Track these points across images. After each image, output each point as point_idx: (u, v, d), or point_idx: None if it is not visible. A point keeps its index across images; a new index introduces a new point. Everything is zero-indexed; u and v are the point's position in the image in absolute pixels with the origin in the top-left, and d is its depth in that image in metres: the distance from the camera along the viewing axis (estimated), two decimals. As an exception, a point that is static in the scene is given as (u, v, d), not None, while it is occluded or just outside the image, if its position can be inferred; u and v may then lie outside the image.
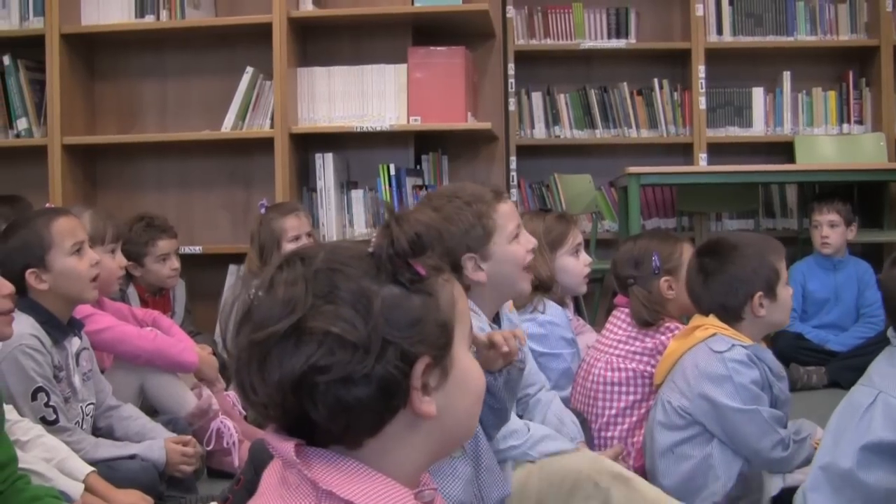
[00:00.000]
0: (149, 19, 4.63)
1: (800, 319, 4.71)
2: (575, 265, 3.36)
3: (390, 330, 1.12)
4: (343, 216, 4.62)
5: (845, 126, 5.77)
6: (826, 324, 4.70)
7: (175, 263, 3.90)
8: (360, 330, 1.10)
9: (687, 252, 2.97)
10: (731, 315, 2.65)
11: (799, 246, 5.26)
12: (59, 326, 2.64)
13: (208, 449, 3.04)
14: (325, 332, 1.09)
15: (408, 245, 1.17)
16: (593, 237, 5.31)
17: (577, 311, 4.66)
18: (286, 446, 1.11)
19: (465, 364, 1.23)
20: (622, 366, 2.96)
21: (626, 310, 3.04)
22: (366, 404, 1.10)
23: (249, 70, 4.58)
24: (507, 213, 2.40)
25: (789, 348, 4.50)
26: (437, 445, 1.21)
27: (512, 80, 5.53)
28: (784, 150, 5.70)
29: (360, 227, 4.57)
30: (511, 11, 5.57)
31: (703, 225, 5.68)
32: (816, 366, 4.41)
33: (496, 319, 2.49)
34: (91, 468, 2.39)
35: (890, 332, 2.25)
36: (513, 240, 2.40)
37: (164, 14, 4.63)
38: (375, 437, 1.13)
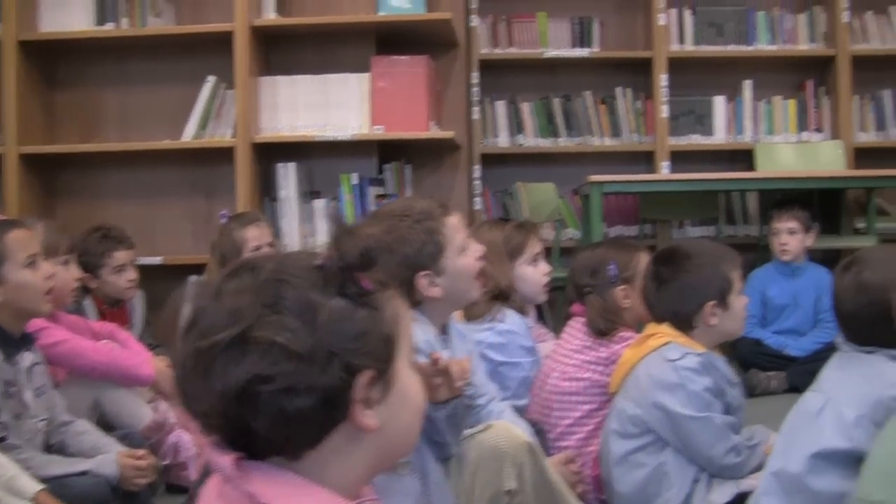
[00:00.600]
0: (109, 27, 4.60)
1: (759, 325, 4.74)
2: (534, 274, 3.37)
3: (335, 341, 1.12)
4: (305, 226, 4.59)
5: (804, 134, 5.83)
6: (785, 329, 4.72)
7: (132, 275, 3.84)
8: (305, 340, 1.10)
9: (644, 261, 2.97)
10: (683, 323, 2.66)
11: (759, 252, 5.30)
12: (11, 341, 2.58)
13: (165, 463, 3.01)
14: (270, 342, 1.09)
15: (356, 259, 1.18)
16: (556, 245, 5.32)
17: (541, 318, 4.68)
18: (225, 460, 1.11)
19: (407, 379, 1.23)
20: (578, 375, 2.96)
21: (583, 319, 3.04)
22: (308, 415, 1.10)
23: (211, 79, 4.56)
24: (454, 226, 2.41)
25: (749, 354, 4.54)
26: (378, 459, 1.20)
27: (476, 89, 5.53)
28: (745, 157, 5.73)
29: (322, 237, 4.54)
30: (475, 20, 5.56)
31: (665, 232, 5.69)
32: (776, 371, 4.45)
33: (446, 330, 2.50)
34: (41, 486, 2.33)
35: (839, 339, 2.29)
36: (462, 251, 2.40)
37: (124, 22, 4.60)
38: (316, 450, 1.13)
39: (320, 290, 1.15)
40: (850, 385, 2.19)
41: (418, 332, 2.24)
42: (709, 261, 2.69)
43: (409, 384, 1.23)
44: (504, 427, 2.39)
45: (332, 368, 1.11)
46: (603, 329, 2.97)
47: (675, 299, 2.67)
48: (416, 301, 2.31)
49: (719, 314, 2.64)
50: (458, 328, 2.59)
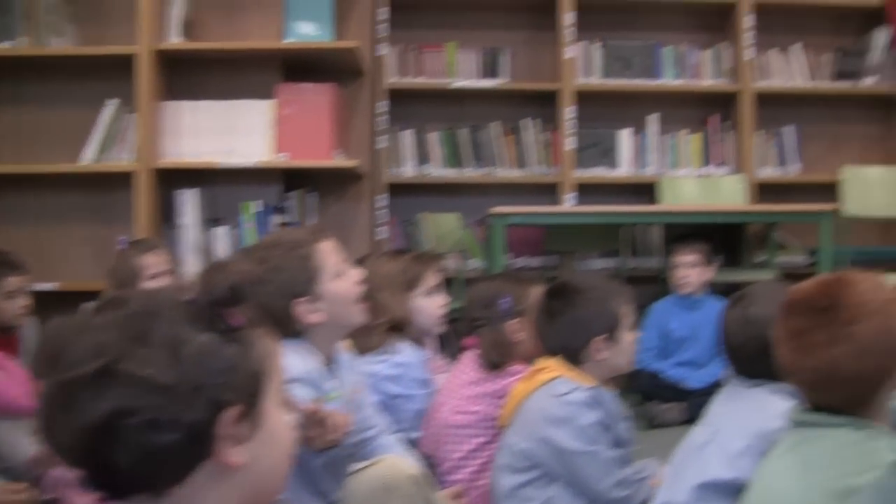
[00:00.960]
0: (6, 45, 4.51)
1: (659, 357, 4.81)
2: (430, 305, 3.41)
3: (201, 376, 1.12)
4: (205, 254, 4.55)
5: (708, 168, 6.00)
6: (685, 361, 4.78)
7: (24, 301, 3.75)
8: (170, 374, 1.10)
9: (538, 295, 2.98)
10: (573, 357, 2.69)
11: (661, 285, 5.37)
12: None
13: (46, 498, 2.97)
14: (135, 376, 1.08)
15: (225, 294, 1.19)
16: (460, 276, 5.36)
17: (445, 349, 4.74)
18: (85, 500, 1.09)
19: (275, 419, 1.23)
20: (469, 408, 2.98)
21: (475, 352, 3.07)
22: (172, 451, 1.09)
23: (113, 102, 4.51)
24: (328, 251, 2.44)
25: (648, 386, 4.61)
26: (246, 498, 1.20)
27: (383, 118, 5.50)
28: (649, 190, 5.87)
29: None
30: (384, 49, 5.56)
31: (569, 264, 5.78)
32: (675, 403, 4.50)
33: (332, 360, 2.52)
34: None
35: (727, 372, 2.35)
36: (338, 276, 2.44)
37: (24, 41, 4.52)
38: (181, 487, 1.12)
39: (188, 325, 1.15)
40: (736, 418, 2.24)
41: (302, 363, 2.31)
42: (598, 295, 2.73)
43: (277, 423, 1.23)
44: (392, 461, 2.42)
45: (198, 403, 1.11)
46: (495, 362, 3.00)
47: (564, 333, 2.71)
48: (297, 331, 2.33)
49: (608, 349, 2.69)
50: (345, 358, 2.61)
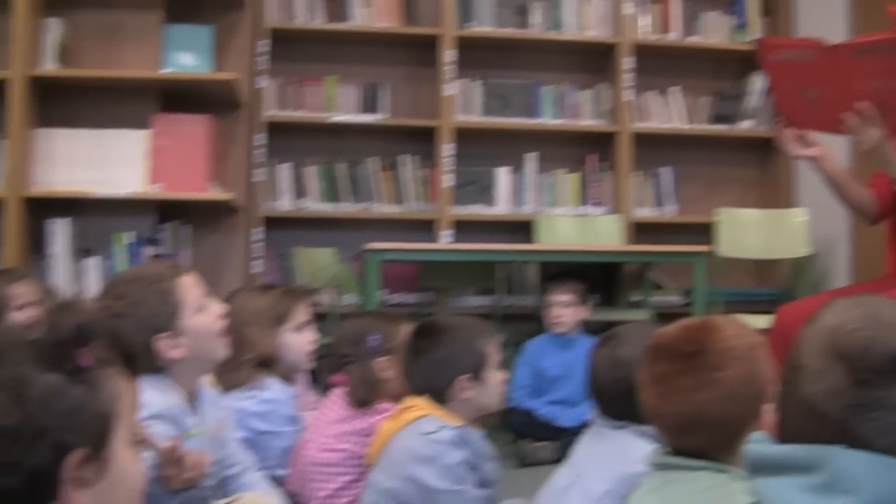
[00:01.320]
0: None
1: (533, 396, 5.00)
2: (299, 342, 3.47)
3: (45, 418, 1.14)
4: (75, 285, 4.63)
5: (585, 208, 6.27)
6: (558, 400, 4.96)
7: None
8: (12, 416, 1.11)
9: (406, 333, 3.05)
10: (438, 396, 2.77)
11: (537, 323, 5.55)
12: None
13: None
14: None
15: (72, 334, 1.22)
16: (335, 311, 5.52)
17: (316, 385, 4.91)
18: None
19: (124, 461, 1.26)
20: (336, 446, 3.05)
21: (343, 389, 3.15)
22: (14, 495, 1.10)
23: (-19, 128, 4.56)
24: (189, 285, 2.50)
25: (521, 424, 4.79)
26: None
27: (260, 151, 5.74)
28: (526, 229, 6.10)
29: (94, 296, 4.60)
30: (264, 81, 5.81)
31: (445, 301, 6.01)
32: (548, 441, 4.66)
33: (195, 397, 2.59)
34: None
35: (593, 414, 2.48)
36: (200, 311, 2.51)
37: None
38: None
39: (32, 365, 1.16)
40: (599, 460, 2.37)
41: (162, 399, 2.36)
42: (464, 335, 2.82)
43: (126, 465, 1.26)
44: (252, 499, 2.48)
45: (41, 446, 1.12)
46: (363, 400, 3.08)
47: (429, 372, 2.79)
48: (158, 366, 2.40)
49: (473, 388, 2.77)
50: (209, 394, 2.67)
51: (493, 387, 2.84)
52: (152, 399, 2.29)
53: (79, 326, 1.23)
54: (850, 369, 1.27)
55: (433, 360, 2.81)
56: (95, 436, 1.21)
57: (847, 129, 3.29)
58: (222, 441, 2.64)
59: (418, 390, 2.83)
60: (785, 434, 1.35)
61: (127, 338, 2.33)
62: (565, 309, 5.03)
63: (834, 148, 3.63)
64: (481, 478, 2.76)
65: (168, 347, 2.40)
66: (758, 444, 1.38)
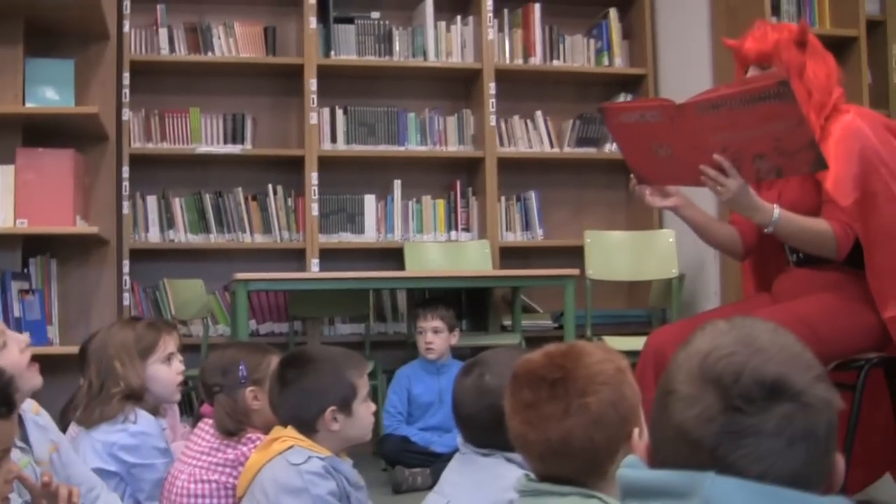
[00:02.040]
0: None
1: (405, 422, 5.29)
2: (167, 373, 3.55)
3: None
4: None
5: (453, 233, 6.62)
6: (431, 426, 5.28)
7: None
8: None
9: (275, 363, 3.20)
10: (305, 427, 2.90)
11: (409, 350, 5.91)
12: None
13: None
14: None
15: None
16: (205, 342, 5.77)
17: (187, 415, 5.06)
18: None
19: None
20: (205, 477, 3.17)
21: (212, 420, 3.27)
22: None
23: None
24: None
25: (394, 451, 5.08)
26: None
27: (126, 183, 5.95)
28: (395, 255, 6.41)
29: None
30: (127, 114, 6.02)
31: (316, 329, 6.29)
32: (421, 468, 4.92)
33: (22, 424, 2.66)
34: None
35: (459, 441, 2.62)
36: (1, 349, 2.63)
37: None
38: None
39: None
40: (468, 488, 2.50)
41: None
42: (331, 366, 2.96)
43: None
44: None
45: None
46: (231, 430, 3.20)
47: (296, 403, 2.92)
48: None
49: (342, 420, 2.91)
50: (36, 419, 2.76)
51: (362, 419, 2.97)
52: None
53: None
54: (722, 395, 1.28)
55: (300, 390, 2.92)
56: None
57: (704, 182, 3.46)
58: (65, 462, 2.75)
59: (285, 421, 2.95)
60: (657, 459, 1.37)
61: None
62: (436, 336, 5.36)
63: (698, 194, 3.85)
64: None
65: None
66: (630, 468, 1.39)
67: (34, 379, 2.75)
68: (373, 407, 3.02)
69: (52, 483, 2.30)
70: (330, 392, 2.91)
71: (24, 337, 2.76)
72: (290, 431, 2.91)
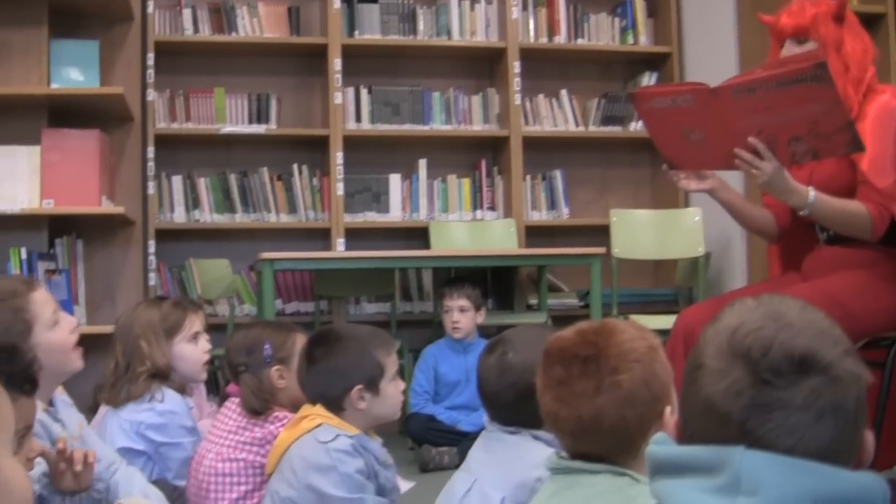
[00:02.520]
0: None
1: (432, 401, 5.25)
2: (192, 352, 3.58)
3: None
4: None
5: (478, 212, 6.59)
6: (458, 405, 5.22)
7: None
8: None
9: (300, 342, 3.21)
10: (333, 405, 2.88)
11: (434, 329, 5.90)
12: None
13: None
14: None
15: None
16: (231, 321, 5.78)
17: (215, 394, 5.01)
18: None
19: (8, 473, 1.33)
20: (233, 456, 3.14)
21: (238, 399, 3.24)
22: None
23: None
24: (42, 301, 2.61)
25: (421, 430, 5.02)
26: None
27: (151, 164, 5.93)
28: (420, 235, 6.40)
29: None
30: (152, 94, 5.99)
31: (341, 309, 6.27)
32: (448, 446, 4.88)
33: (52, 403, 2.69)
34: None
35: (485, 419, 2.58)
36: (54, 325, 2.62)
37: None
38: None
39: None
40: (495, 466, 2.46)
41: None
42: (358, 345, 2.92)
43: (10, 476, 1.32)
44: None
45: None
46: (257, 409, 3.17)
47: (323, 381, 2.90)
48: None
49: (369, 399, 2.87)
50: (63, 399, 2.77)
51: (389, 398, 2.93)
52: None
53: None
54: (751, 369, 1.28)
55: (326, 369, 2.90)
56: None
57: (739, 165, 3.40)
58: (85, 440, 2.73)
59: (312, 399, 2.93)
60: (686, 435, 1.36)
61: None
62: (462, 314, 5.29)
63: (728, 176, 3.79)
64: (380, 486, 2.86)
65: None
66: (659, 445, 1.38)
67: (77, 361, 2.74)
68: (402, 385, 2.99)
69: (66, 449, 2.30)
70: (356, 371, 2.88)
71: (75, 319, 2.76)
72: (319, 409, 2.89)
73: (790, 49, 3.58)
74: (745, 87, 3.25)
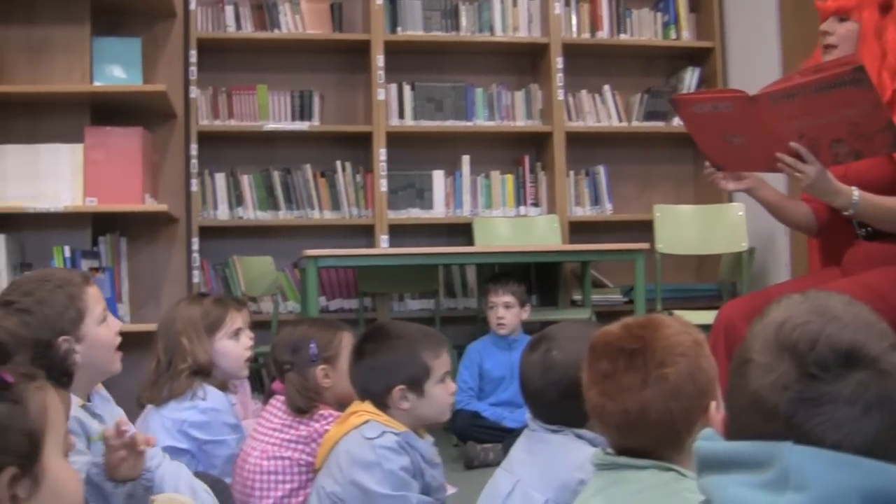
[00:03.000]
0: None
1: (477, 398, 5.18)
2: (234, 349, 3.50)
3: None
4: None
5: (522, 208, 6.53)
6: (502, 401, 5.14)
7: None
8: None
9: (346, 340, 3.21)
10: (377, 401, 2.85)
11: (479, 325, 5.82)
12: None
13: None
14: None
15: None
16: (275, 318, 5.73)
17: (259, 392, 5.01)
18: None
19: (59, 473, 1.31)
20: (278, 454, 3.11)
21: (283, 397, 3.20)
22: None
23: (-85, 147, 4.68)
24: (95, 296, 2.62)
25: (466, 427, 4.94)
26: None
27: (194, 161, 5.90)
28: (464, 231, 6.37)
29: None
30: (194, 92, 5.97)
31: (385, 306, 6.24)
32: (493, 443, 4.77)
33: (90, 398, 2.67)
34: None
35: (528, 417, 2.54)
36: (101, 322, 2.62)
37: None
38: None
39: None
40: (538, 467, 2.43)
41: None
42: (406, 345, 2.88)
43: (61, 479, 1.31)
44: (169, 499, 2.52)
45: None
46: (302, 407, 3.12)
47: (366, 377, 2.88)
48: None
49: (412, 399, 2.83)
50: (101, 394, 2.76)
51: (435, 399, 2.88)
52: None
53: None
54: (798, 362, 1.27)
55: (372, 365, 2.88)
56: (24, 453, 1.26)
57: (782, 168, 3.37)
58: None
59: (360, 394, 2.91)
60: (733, 429, 1.36)
61: (31, 336, 2.39)
62: (507, 311, 5.22)
63: (771, 175, 3.73)
64: (425, 484, 2.83)
65: (68, 350, 2.47)
66: (707, 440, 1.37)
67: (118, 363, 2.73)
68: (452, 388, 2.95)
69: (126, 430, 2.30)
70: (399, 370, 2.85)
71: (120, 323, 2.77)
72: (368, 406, 2.87)
73: (831, 25, 3.59)
74: (783, 93, 3.23)
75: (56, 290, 2.52)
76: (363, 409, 2.86)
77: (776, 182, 4.21)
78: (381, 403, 2.86)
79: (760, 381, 1.30)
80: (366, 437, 2.78)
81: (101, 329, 2.62)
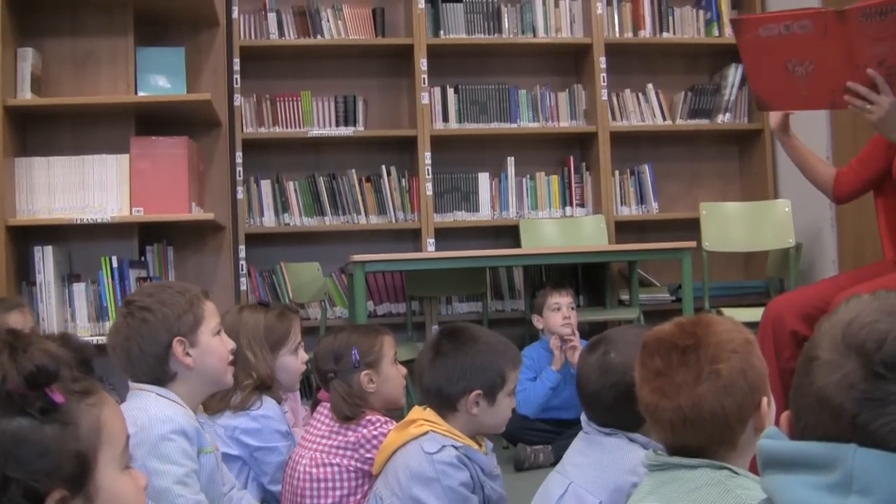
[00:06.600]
0: None
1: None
2: (294, 363, 3.49)
3: (13, 466, 1.15)
4: (64, 310, 4.75)
5: (568, 209, 6.39)
6: (553, 407, 4.93)
7: None
8: None
9: (388, 344, 3.17)
10: (446, 403, 2.77)
11: (526, 327, 5.71)
12: None
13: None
14: None
15: (22, 380, 1.19)
16: (323, 324, 5.62)
17: (312, 401, 4.97)
18: None
19: (116, 487, 1.27)
20: (327, 461, 3.06)
21: (329, 404, 3.15)
22: None
23: (-38, 161, 4.63)
24: (212, 311, 2.65)
25: (515, 430, 4.75)
26: None
27: (240, 169, 5.87)
28: (510, 233, 6.26)
29: (83, 321, 4.74)
30: (239, 99, 5.93)
31: (433, 309, 6.14)
32: (543, 445, 4.70)
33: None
34: None
35: (583, 419, 2.49)
36: (216, 334, 2.64)
37: None
38: None
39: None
40: (591, 469, 2.38)
41: (184, 414, 2.47)
42: (489, 350, 2.79)
43: (119, 490, 1.27)
44: None
45: (11, 494, 1.13)
46: (348, 414, 3.07)
47: (445, 376, 2.76)
48: (173, 372, 2.53)
49: (483, 406, 2.74)
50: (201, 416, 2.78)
51: (502, 410, 2.81)
52: (173, 414, 2.45)
53: (33, 371, 1.19)
54: (865, 362, 1.23)
55: (453, 364, 2.78)
56: (72, 476, 1.21)
57: (846, 101, 3.18)
58: (216, 456, 2.71)
59: (426, 394, 2.83)
60: (798, 428, 1.32)
61: (149, 336, 2.50)
62: (572, 311, 5.03)
63: (815, 127, 3.60)
64: (485, 497, 2.78)
65: (182, 353, 2.53)
66: (771, 439, 1.34)
67: (230, 376, 2.74)
68: (514, 402, 2.86)
69: None
70: (480, 375, 2.76)
71: (232, 343, 2.77)
72: (429, 414, 2.80)
73: None
74: (876, 9, 2.99)
75: (177, 294, 2.58)
76: (423, 419, 2.80)
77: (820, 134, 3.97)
78: (450, 406, 2.78)
79: (826, 380, 1.26)
80: (426, 452, 2.72)
81: (215, 340, 2.64)
